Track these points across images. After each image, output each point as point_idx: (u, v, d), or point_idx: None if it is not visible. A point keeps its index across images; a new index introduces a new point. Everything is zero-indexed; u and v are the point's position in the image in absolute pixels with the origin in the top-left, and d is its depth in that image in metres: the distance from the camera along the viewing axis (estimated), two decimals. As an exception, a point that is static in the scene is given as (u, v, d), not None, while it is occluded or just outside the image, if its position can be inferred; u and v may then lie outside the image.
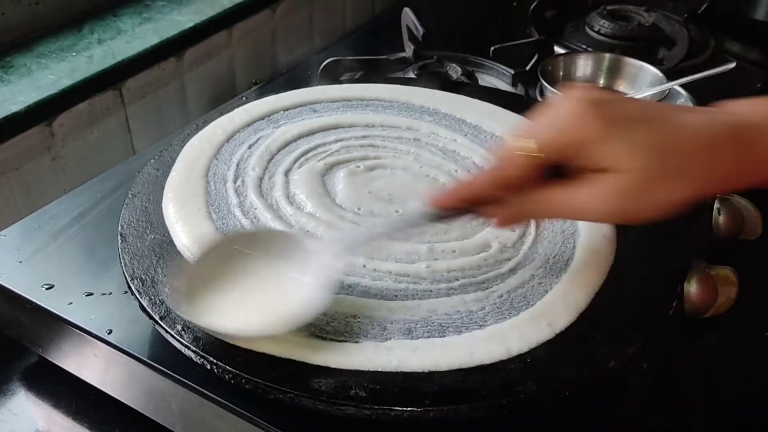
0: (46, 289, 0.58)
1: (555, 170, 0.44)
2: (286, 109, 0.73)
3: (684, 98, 0.86)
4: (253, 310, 0.48)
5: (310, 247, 0.51)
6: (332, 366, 0.46)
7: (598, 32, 1.03)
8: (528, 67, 0.92)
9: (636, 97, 0.87)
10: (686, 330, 0.60)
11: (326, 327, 0.49)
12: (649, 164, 0.40)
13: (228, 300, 0.49)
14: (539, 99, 0.87)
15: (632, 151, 0.40)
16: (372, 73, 0.93)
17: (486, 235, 0.58)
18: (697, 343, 0.61)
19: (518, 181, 0.44)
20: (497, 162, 0.45)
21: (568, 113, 0.42)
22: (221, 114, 0.72)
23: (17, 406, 0.60)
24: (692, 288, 0.59)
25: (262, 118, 0.72)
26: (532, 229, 0.59)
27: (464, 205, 0.47)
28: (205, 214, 0.59)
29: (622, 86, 0.92)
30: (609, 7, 1.06)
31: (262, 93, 0.78)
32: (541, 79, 0.87)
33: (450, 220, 0.53)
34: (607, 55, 0.93)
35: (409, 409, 0.45)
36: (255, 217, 0.59)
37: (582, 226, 0.59)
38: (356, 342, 0.48)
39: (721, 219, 0.67)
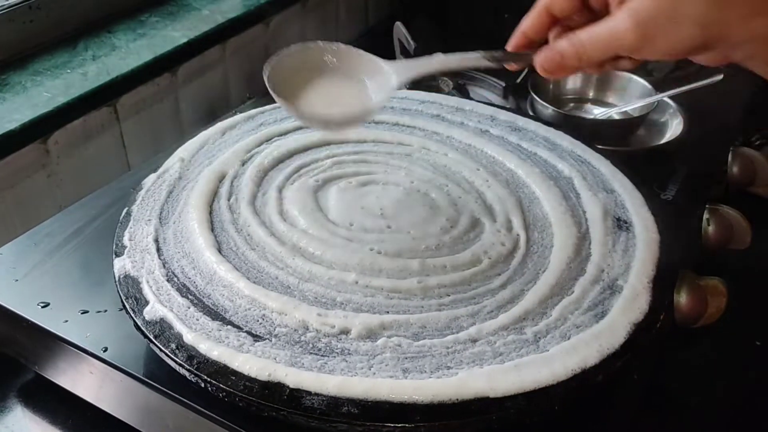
0: (42, 307, 0.58)
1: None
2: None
3: (673, 109, 0.87)
4: (333, 105, 0.56)
5: (378, 66, 0.56)
6: (323, 393, 0.46)
7: (588, 44, 1.04)
8: (519, 80, 0.93)
9: (625, 109, 0.88)
10: (677, 340, 0.60)
11: (317, 344, 0.50)
12: None
13: (310, 95, 0.56)
14: (530, 112, 0.88)
15: None
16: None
17: (476, 249, 0.58)
18: (688, 353, 0.62)
19: (562, 14, 0.50)
20: None
21: None
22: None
23: (14, 423, 0.60)
24: (682, 299, 0.59)
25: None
26: (522, 243, 0.60)
27: (524, 41, 0.53)
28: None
29: (611, 98, 0.93)
30: (599, 19, 1.07)
31: (255, 107, 0.78)
32: (531, 91, 0.88)
33: (505, 62, 0.56)
34: (597, 67, 0.94)
35: (400, 425, 0.45)
36: (248, 234, 0.60)
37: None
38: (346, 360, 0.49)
39: (711, 229, 0.68)
